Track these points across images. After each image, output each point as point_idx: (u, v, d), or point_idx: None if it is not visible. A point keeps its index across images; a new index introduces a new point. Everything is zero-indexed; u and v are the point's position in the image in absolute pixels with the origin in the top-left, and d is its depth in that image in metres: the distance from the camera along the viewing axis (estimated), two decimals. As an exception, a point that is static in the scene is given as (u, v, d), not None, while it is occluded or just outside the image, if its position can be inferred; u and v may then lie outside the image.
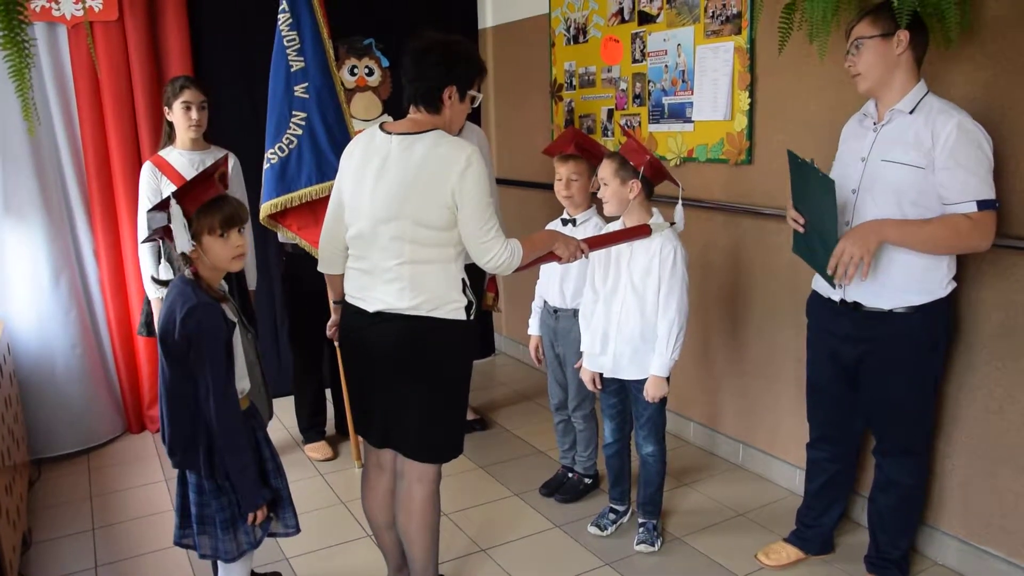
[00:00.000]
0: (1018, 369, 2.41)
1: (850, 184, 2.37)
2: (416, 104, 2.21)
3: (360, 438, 3.54)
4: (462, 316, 2.23)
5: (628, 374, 2.74)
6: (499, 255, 2.18)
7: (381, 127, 2.25)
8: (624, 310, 2.69)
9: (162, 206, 2.01)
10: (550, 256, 2.39)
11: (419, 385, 2.25)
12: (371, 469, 2.46)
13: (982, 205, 2.16)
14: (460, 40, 2.23)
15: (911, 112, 2.24)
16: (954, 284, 2.33)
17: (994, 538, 2.54)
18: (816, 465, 2.68)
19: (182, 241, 2.00)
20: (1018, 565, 2.47)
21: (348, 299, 2.32)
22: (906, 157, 2.22)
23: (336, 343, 2.62)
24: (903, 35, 2.21)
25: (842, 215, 2.39)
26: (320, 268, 2.46)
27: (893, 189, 2.25)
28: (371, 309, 2.23)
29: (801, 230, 2.41)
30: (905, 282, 2.28)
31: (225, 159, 2.24)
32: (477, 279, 3.74)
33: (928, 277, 2.28)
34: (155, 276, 3.20)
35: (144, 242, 3.11)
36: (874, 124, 2.35)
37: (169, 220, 2.00)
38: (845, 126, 2.52)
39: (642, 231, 2.61)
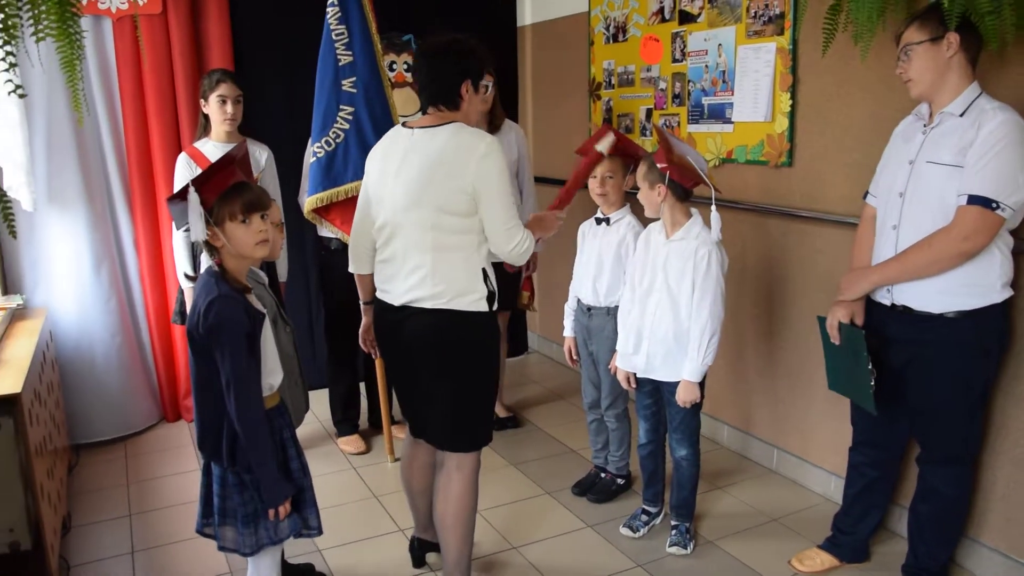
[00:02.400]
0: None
1: (897, 187, 2.33)
2: (436, 104, 2.30)
3: (392, 433, 3.59)
4: (484, 307, 2.29)
5: (660, 375, 2.72)
6: (523, 241, 2.27)
7: (403, 124, 2.34)
8: (658, 311, 2.67)
9: (180, 195, 2.00)
10: (539, 241, 2.44)
11: (444, 379, 2.31)
12: (416, 443, 2.54)
13: (973, 200, 2.11)
14: (462, 37, 2.32)
15: (961, 115, 2.20)
16: (1011, 291, 2.27)
17: (1036, 552, 2.49)
18: (856, 470, 2.64)
19: (197, 230, 1.99)
20: (1061, 580, 2.42)
21: (378, 293, 2.39)
22: (950, 158, 2.18)
23: (365, 349, 2.66)
24: (952, 38, 2.16)
25: (889, 219, 2.36)
26: (351, 268, 2.51)
27: (937, 191, 2.21)
28: (397, 303, 2.30)
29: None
30: (955, 286, 2.23)
31: (243, 145, 2.18)
32: (514, 279, 3.76)
33: (979, 280, 2.22)
34: (187, 273, 3.24)
35: (180, 229, 3.14)
36: (924, 126, 2.31)
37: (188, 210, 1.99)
38: (898, 126, 2.47)
39: (593, 157, 2.79)
